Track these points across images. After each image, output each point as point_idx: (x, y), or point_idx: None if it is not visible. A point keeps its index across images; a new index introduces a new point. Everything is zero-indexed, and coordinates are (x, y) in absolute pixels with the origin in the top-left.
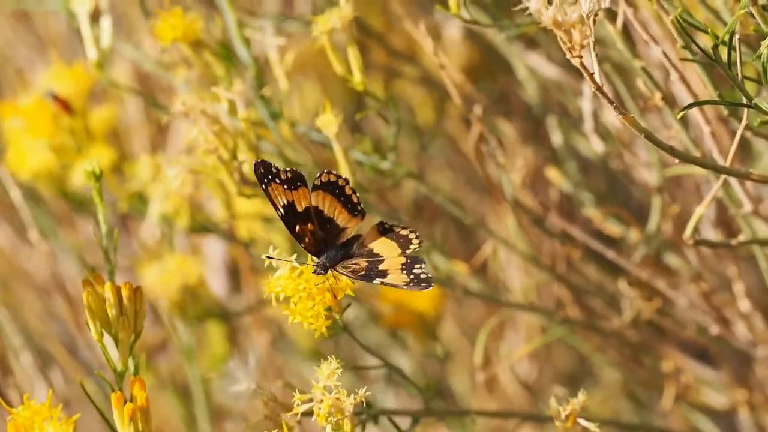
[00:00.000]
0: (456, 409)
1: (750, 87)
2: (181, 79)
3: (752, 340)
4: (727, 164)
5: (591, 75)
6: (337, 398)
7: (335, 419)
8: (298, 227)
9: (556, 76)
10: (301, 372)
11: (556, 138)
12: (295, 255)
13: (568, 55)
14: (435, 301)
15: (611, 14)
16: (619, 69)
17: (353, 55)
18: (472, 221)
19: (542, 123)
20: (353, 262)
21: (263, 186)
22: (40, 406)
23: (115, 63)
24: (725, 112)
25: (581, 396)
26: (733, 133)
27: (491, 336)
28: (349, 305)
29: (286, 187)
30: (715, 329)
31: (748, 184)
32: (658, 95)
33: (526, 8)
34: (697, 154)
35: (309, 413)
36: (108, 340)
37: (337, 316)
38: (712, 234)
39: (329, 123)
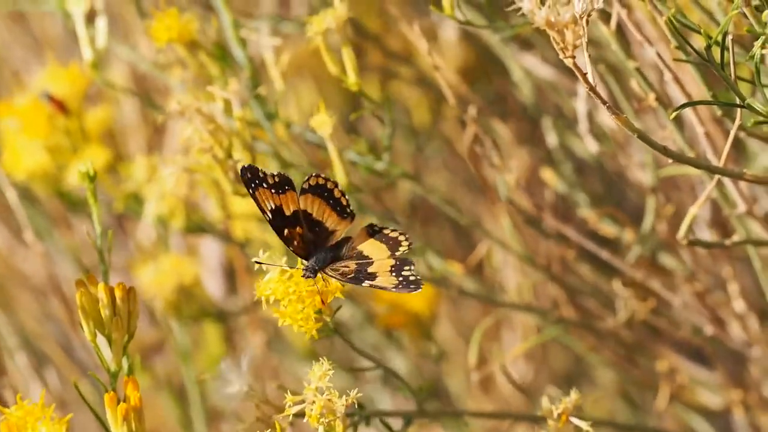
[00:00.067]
0: (449, 409)
1: (744, 88)
2: (177, 79)
3: (747, 340)
4: (721, 164)
5: (584, 75)
6: (329, 399)
7: (327, 420)
8: (286, 231)
9: (551, 77)
10: (296, 372)
11: (552, 139)
12: (285, 258)
13: (561, 56)
14: (430, 301)
15: (605, 15)
16: (613, 70)
17: (348, 55)
18: (468, 222)
19: (537, 124)
20: (342, 264)
21: (250, 191)
22: (33, 406)
23: (110, 64)
24: (719, 113)
25: (574, 395)
26: (727, 134)
27: (487, 336)
28: (340, 307)
29: (273, 191)
30: (709, 329)
31: (742, 184)
32: (652, 96)
33: (520, 8)
34: (691, 154)
35: (301, 414)
36: (102, 340)
37: (328, 319)
38: (707, 234)
39: (323, 123)
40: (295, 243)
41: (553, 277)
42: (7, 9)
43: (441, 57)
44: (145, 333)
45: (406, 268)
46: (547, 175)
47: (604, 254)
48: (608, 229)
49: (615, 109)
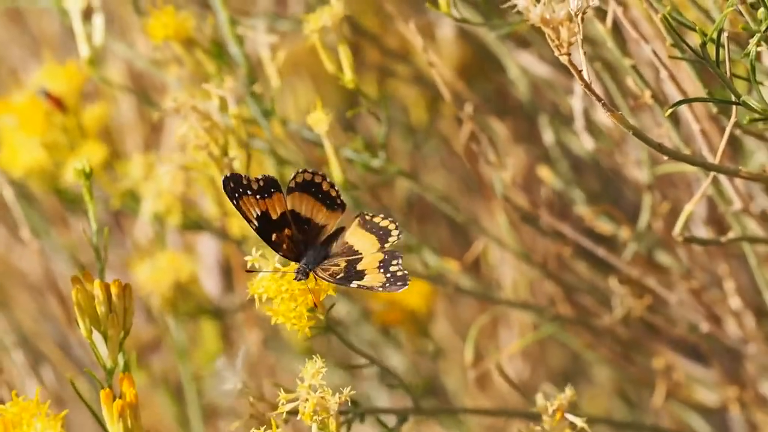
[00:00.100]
0: (446, 406)
1: (740, 85)
2: (173, 76)
3: (743, 337)
4: (717, 162)
5: (579, 72)
6: (322, 397)
7: (320, 418)
8: (274, 236)
9: (548, 75)
10: (293, 370)
11: (548, 136)
12: (277, 256)
13: (557, 53)
14: (427, 298)
15: (601, 13)
16: (609, 68)
17: (344, 53)
18: (464, 219)
19: (534, 122)
20: (332, 263)
21: (234, 202)
22: (28, 402)
23: (107, 61)
24: (715, 110)
25: (568, 391)
26: (722, 131)
27: (484, 334)
28: (333, 305)
29: (258, 197)
30: (705, 327)
31: (738, 181)
32: (648, 93)
33: (515, 6)
34: (687, 151)
35: (296, 412)
36: (98, 337)
37: (321, 317)
38: (703, 232)
39: (320, 120)
40: (284, 247)
41: (549, 275)
42: (4, 6)
43: (438, 55)
44: (142, 330)
45: (394, 262)
46: (544, 172)
47: (601, 251)
48: (604, 226)
49: (610, 106)
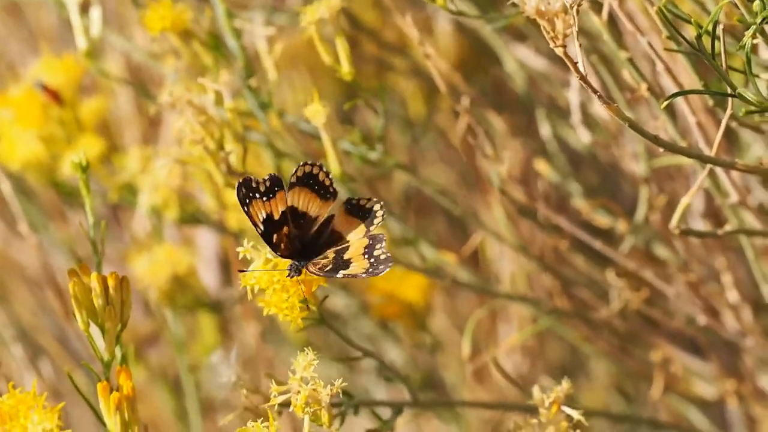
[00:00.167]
0: (443, 400)
1: (736, 77)
2: (170, 68)
3: (741, 330)
4: (713, 154)
5: (575, 64)
6: (314, 389)
7: (312, 410)
8: (275, 236)
9: (544, 68)
10: (291, 363)
11: (545, 130)
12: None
13: (552, 45)
14: (425, 292)
15: (597, 6)
16: (605, 60)
17: (341, 45)
18: (462, 212)
19: (531, 115)
20: (321, 256)
21: (245, 209)
22: (25, 394)
23: (105, 54)
24: (711, 103)
25: (565, 384)
26: (719, 124)
27: (482, 327)
28: (326, 297)
29: (264, 199)
30: (703, 320)
31: (735, 174)
32: (644, 86)
33: None
34: (683, 144)
35: (288, 404)
36: (95, 330)
37: (314, 308)
38: (700, 224)
39: (317, 113)
40: (282, 246)
41: (547, 268)
42: (2, 0)
43: (435, 48)
44: (140, 323)
45: (378, 246)
46: (541, 165)
47: (598, 244)
48: (602, 219)
49: (607, 98)
